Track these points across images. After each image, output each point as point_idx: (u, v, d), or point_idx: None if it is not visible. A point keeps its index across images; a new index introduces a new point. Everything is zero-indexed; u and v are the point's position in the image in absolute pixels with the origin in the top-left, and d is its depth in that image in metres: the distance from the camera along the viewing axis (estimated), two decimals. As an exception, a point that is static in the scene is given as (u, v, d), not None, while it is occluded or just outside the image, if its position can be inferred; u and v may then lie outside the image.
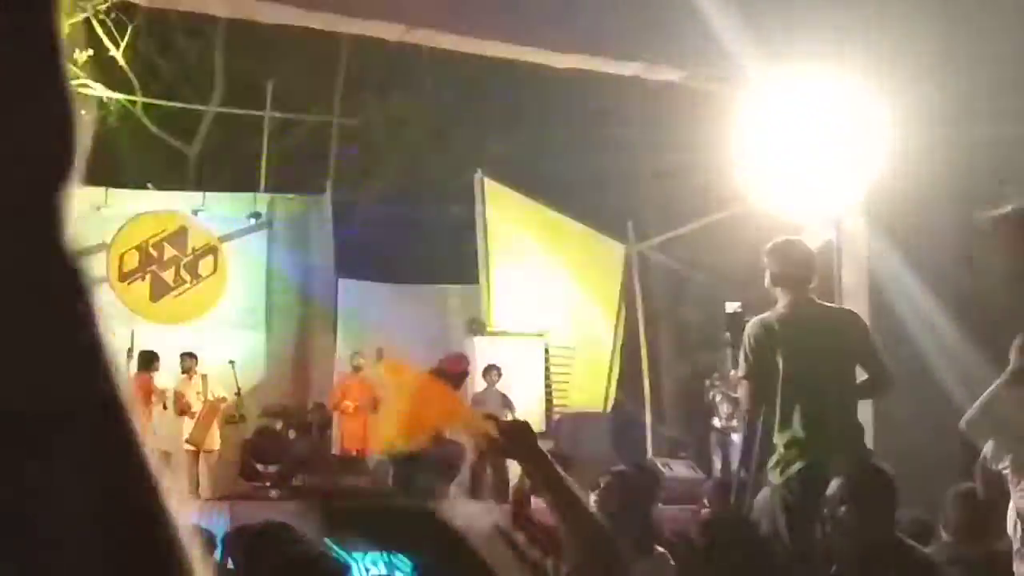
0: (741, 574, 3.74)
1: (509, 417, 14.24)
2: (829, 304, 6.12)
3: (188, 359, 14.43)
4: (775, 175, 11.15)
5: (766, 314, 5.86)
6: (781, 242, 5.98)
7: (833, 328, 5.80)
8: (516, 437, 3.62)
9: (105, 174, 16.54)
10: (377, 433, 11.95)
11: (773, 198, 11.34)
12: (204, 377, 14.36)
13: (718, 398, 13.02)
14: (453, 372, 11.68)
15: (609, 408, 16.23)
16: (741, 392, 5.81)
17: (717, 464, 13.58)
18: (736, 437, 12.21)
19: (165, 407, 14.14)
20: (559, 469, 3.60)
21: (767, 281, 5.87)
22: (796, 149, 11.05)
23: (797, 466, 5.52)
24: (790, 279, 5.79)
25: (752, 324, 5.82)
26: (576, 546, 3.67)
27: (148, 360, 14.27)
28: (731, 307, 6.34)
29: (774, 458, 5.68)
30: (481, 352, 15.55)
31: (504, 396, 14.68)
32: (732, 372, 12.78)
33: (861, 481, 4.21)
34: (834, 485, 4.17)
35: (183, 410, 14.04)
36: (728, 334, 6.38)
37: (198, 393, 14.18)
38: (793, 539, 5.29)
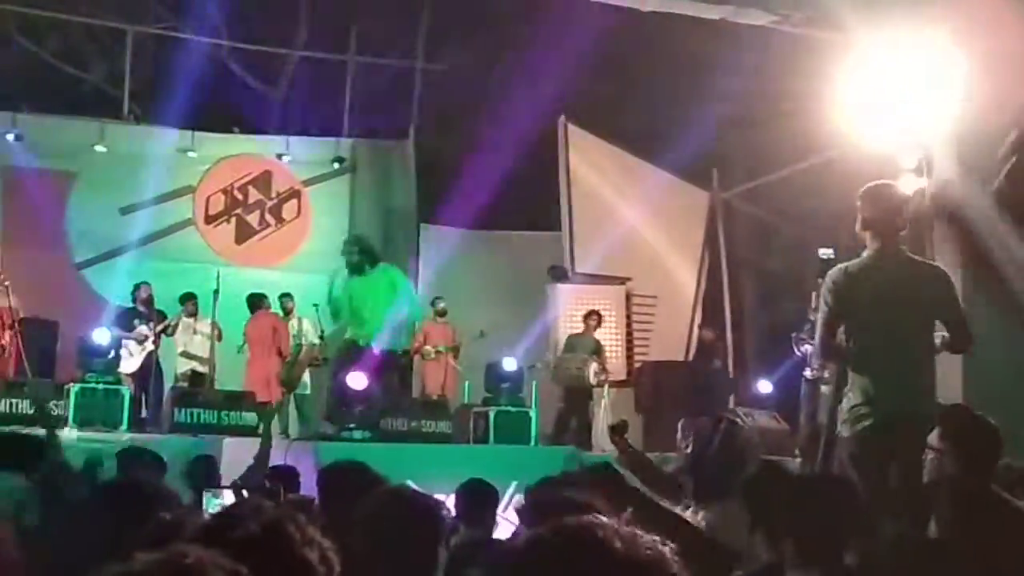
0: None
1: (593, 366, 14.26)
2: (917, 257, 5.98)
3: (287, 300, 14.66)
4: (865, 120, 10.95)
5: (851, 261, 5.75)
6: (875, 185, 5.84)
7: (916, 281, 5.66)
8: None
9: (191, 118, 16.69)
10: None
11: (863, 144, 11.15)
12: (300, 320, 14.55)
13: (809, 349, 12.80)
14: None
15: (690, 357, 16.13)
16: (816, 338, 5.71)
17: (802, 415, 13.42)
18: (826, 388, 12.02)
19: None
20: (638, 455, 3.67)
21: (857, 225, 5.75)
22: (885, 94, 10.83)
23: (867, 421, 5.43)
24: (880, 224, 5.65)
25: (835, 270, 5.71)
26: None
27: (258, 300, 14.53)
28: (824, 253, 6.22)
29: (844, 410, 5.59)
30: (563, 299, 15.56)
31: (597, 342, 14.71)
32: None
33: (964, 429, 4.12)
34: (935, 434, 4.09)
35: (280, 351, 14.26)
36: (820, 281, 6.25)
37: (293, 336, 14.37)
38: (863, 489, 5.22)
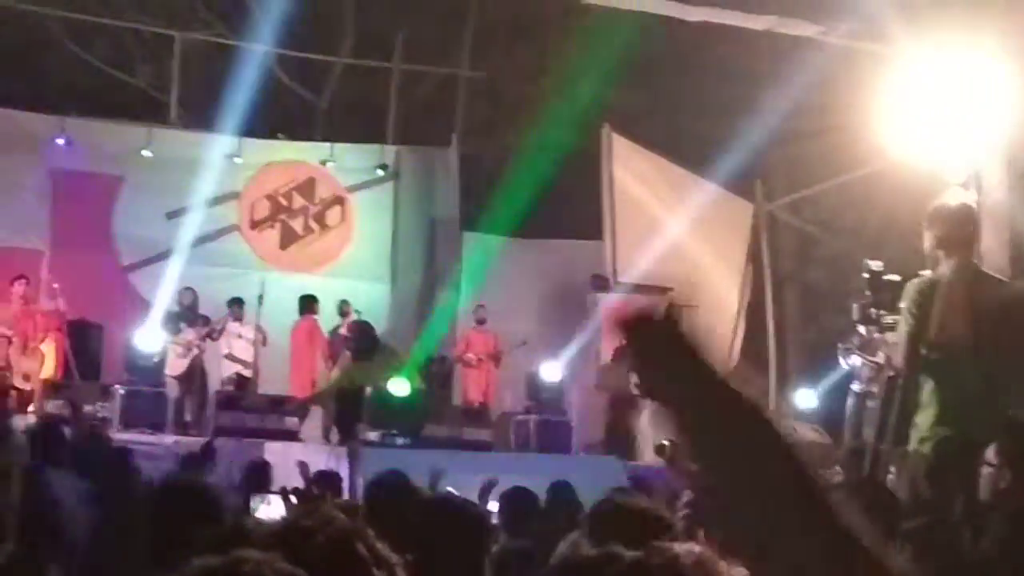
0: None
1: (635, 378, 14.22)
2: (992, 273, 5.95)
3: (345, 306, 14.73)
4: (912, 133, 10.87)
5: (932, 274, 5.70)
6: (941, 205, 5.85)
7: (997, 296, 5.63)
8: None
9: (238, 124, 16.81)
10: None
11: (911, 157, 11.07)
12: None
13: (856, 361, 12.66)
14: None
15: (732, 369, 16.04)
16: (898, 351, 5.65)
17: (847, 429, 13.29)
18: (873, 403, 11.93)
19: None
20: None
21: (928, 245, 5.71)
22: (933, 107, 10.74)
23: (951, 444, 5.37)
24: (954, 241, 5.65)
25: (918, 282, 5.67)
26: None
27: (311, 302, 14.63)
28: (874, 265, 6.17)
29: (923, 425, 5.52)
30: (604, 308, 15.53)
31: None
32: (876, 334, 12.39)
33: (1016, 446, 4.09)
34: (991, 451, 4.06)
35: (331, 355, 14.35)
36: (867, 293, 6.21)
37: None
38: (935, 507, 5.15)
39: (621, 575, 1.40)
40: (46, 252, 15.52)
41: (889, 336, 6.12)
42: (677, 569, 1.37)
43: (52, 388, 13.03)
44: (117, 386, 12.87)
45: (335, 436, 12.34)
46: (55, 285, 13.74)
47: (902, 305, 5.64)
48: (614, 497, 4.11)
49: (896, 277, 6.14)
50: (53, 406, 12.34)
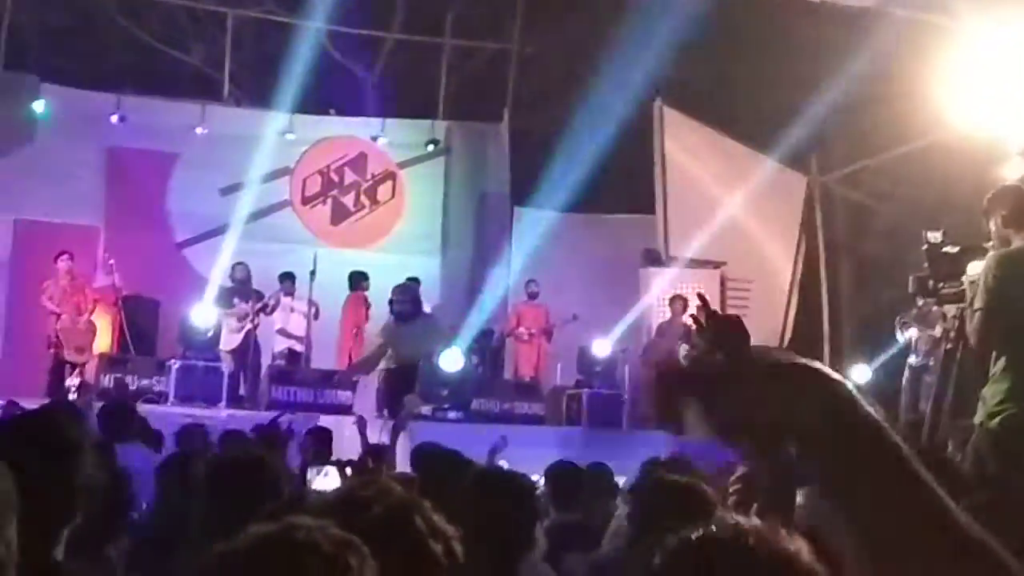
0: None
1: (683, 349, 14.15)
2: None
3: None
4: (971, 104, 10.72)
5: (1009, 249, 5.60)
6: (998, 188, 5.78)
7: None
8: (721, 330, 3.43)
9: (289, 100, 16.87)
10: None
11: (970, 128, 10.92)
12: None
13: (914, 334, 12.50)
14: None
15: (786, 343, 15.94)
16: (974, 326, 5.53)
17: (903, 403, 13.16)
18: (929, 377, 11.80)
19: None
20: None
21: (996, 225, 5.60)
22: (994, 79, 10.58)
23: (1016, 412, 5.29)
24: (1022, 217, 5.55)
25: (995, 256, 5.56)
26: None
27: (359, 279, 14.70)
28: (932, 236, 6.02)
29: (992, 399, 5.43)
30: (657, 283, 15.46)
31: (687, 326, 14.57)
32: (934, 306, 12.18)
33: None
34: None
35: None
36: (926, 266, 6.08)
37: None
38: (999, 482, 5.07)
39: (686, 546, 1.37)
40: (102, 228, 15.70)
41: (948, 308, 6.01)
42: (743, 542, 1.34)
43: (108, 362, 13.20)
44: (172, 360, 13.01)
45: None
46: (111, 261, 13.90)
47: (977, 278, 5.53)
48: (654, 474, 4.08)
49: (954, 249, 6.01)
50: (108, 380, 12.53)
